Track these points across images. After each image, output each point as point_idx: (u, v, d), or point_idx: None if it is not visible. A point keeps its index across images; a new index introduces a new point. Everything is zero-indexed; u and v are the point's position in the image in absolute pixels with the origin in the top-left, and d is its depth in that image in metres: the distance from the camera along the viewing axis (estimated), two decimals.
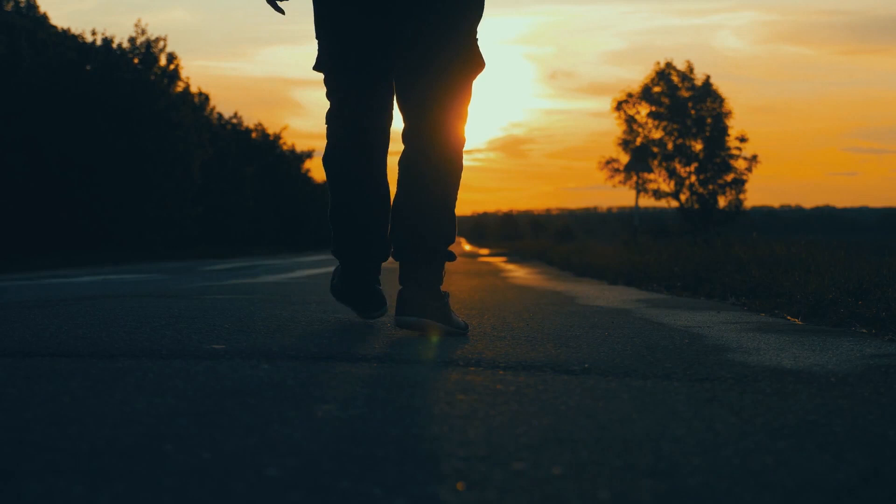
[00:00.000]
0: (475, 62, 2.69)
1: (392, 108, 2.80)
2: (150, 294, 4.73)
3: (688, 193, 35.86)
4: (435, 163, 2.67)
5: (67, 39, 24.26)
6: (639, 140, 35.90)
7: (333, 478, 1.10)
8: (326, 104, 2.86)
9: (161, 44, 26.20)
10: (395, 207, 2.72)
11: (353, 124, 2.75)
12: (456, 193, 2.73)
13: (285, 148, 46.74)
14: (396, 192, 2.74)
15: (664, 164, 35.73)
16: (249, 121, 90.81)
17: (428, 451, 1.23)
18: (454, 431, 1.36)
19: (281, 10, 2.82)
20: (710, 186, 35.85)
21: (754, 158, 36.09)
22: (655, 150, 35.63)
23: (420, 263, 2.63)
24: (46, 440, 1.25)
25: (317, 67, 2.78)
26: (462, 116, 2.71)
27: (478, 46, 2.72)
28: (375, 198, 2.79)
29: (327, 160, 2.80)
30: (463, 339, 2.58)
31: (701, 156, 35.73)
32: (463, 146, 2.72)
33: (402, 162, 2.72)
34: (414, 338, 2.56)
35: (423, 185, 2.67)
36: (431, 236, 2.64)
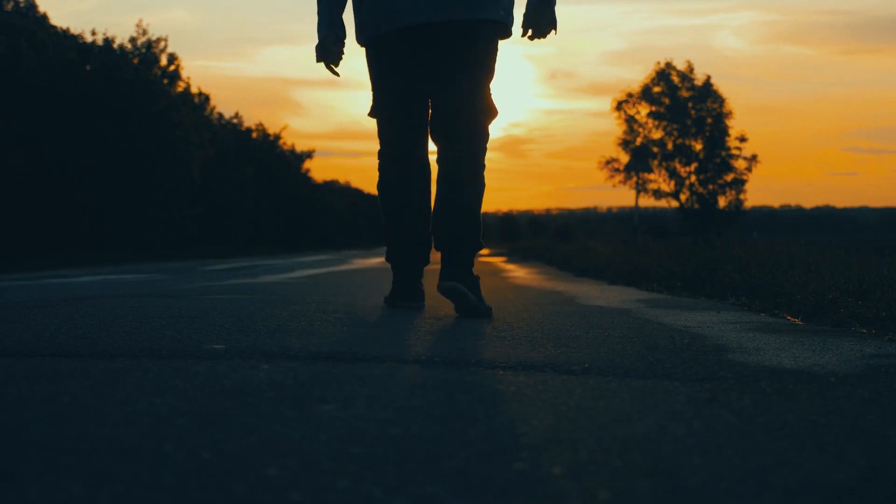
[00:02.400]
0: (491, 110, 3.44)
1: (427, 143, 3.55)
2: (150, 294, 4.73)
3: (688, 193, 35.87)
4: (464, 182, 3.41)
5: (67, 39, 24.24)
6: (639, 140, 35.92)
7: (333, 478, 1.10)
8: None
9: (162, 44, 26.22)
10: (435, 214, 3.46)
11: (397, 160, 3.55)
12: (480, 203, 3.47)
13: (285, 148, 46.75)
14: (435, 203, 3.47)
15: (664, 164, 35.75)
16: (249, 121, 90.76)
17: (428, 451, 1.23)
18: (454, 431, 1.36)
19: (337, 74, 3.52)
20: (710, 186, 35.87)
21: (754, 158, 36.12)
22: (655, 150, 35.65)
23: (457, 252, 3.41)
24: (46, 440, 1.25)
25: (371, 114, 3.57)
26: (483, 148, 3.44)
27: (492, 98, 3.44)
28: (418, 215, 3.55)
29: (380, 187, 3.60)
30: (463, 339, 2.59)
31: (701, 156, 35.75)
32: (483, 169, 3.44)
33: (439, 181, 3.47)
34: (414, 338, 2.57)
35: (456, 199, 3.40)
36: (464, 235, 3.40)
